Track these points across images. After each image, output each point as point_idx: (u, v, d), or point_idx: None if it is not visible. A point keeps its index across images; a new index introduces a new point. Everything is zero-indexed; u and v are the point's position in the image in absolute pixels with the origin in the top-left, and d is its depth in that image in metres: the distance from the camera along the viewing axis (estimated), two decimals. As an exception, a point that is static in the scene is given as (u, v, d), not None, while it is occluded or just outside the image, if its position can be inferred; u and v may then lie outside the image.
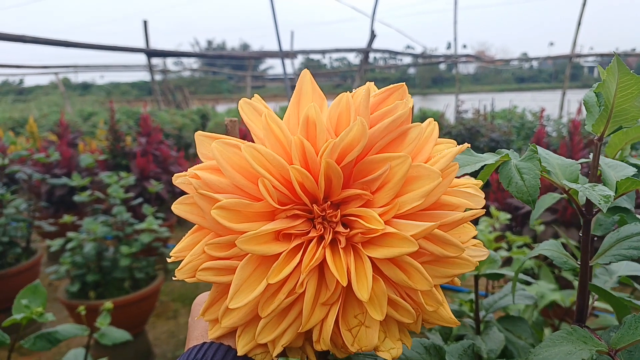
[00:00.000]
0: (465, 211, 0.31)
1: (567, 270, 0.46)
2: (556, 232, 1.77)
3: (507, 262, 1.48)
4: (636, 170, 0.42)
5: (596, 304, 0.55)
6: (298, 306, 0.29)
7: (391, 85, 0.32)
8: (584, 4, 5.43)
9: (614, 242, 0.44)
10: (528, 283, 0.66)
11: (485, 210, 0.32)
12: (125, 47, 6.43)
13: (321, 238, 0.30)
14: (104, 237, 1.78)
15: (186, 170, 0.31)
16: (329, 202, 0.30)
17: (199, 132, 0.32)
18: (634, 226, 0.44)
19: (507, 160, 0.39)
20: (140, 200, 2.17)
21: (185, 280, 0.30)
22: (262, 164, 0.29)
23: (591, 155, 0.44)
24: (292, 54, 7.45)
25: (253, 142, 0.32)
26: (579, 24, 5.55)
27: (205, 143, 0.32)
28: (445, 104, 6.25)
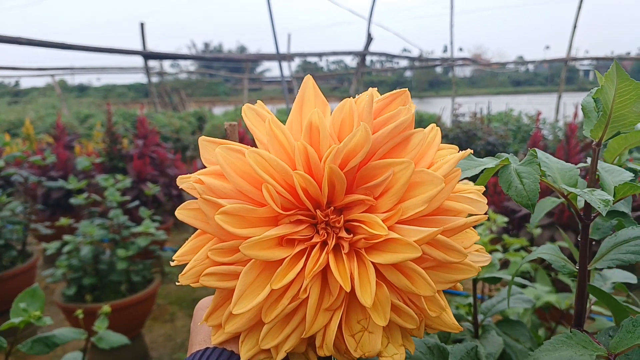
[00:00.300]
0: (467, 216, 0.31)
1: (565, 274, 0.46)
2: (553, 235, 1.78)
3: (504, 265, 1.49)
4: (633, 175, 0.42)
5: (593, 307, 0.56)
6: (301, 312, 0.30)
7: (394, 91, 0.32)
8: (579, 8, 5.47)
9: (611, 246, 0.44)
10: (524, 286, 0.67)
11: (487, 216, 0.32)
12: (122, 50, 6.42)
13: (324, 243, 0.30)
14: (100, 240, 1.77)
15: (183, 173, 0.31)
16: (332, 208, 0.31)
17: (203, 137, 0.32)
18: (631, 230, 0.44)
19: (507, 165, 0.39)
20: (137, 203, 2.17)
21: (190, 285, 0.30)
22: (265, 169, 0.29)
23: (589, 160, 0.44)
24: (289, 57, 7.46)
25: (251, 144, 0.32)
26: (575, 27, 5.59)
27: (209, 148, 0.32)
28: (441, 107, 6.27)
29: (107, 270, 1.74)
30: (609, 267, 0.42)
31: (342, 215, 0.30)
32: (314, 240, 0.30)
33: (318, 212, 0.30)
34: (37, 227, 2.17)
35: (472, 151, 0.35)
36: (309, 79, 0.33)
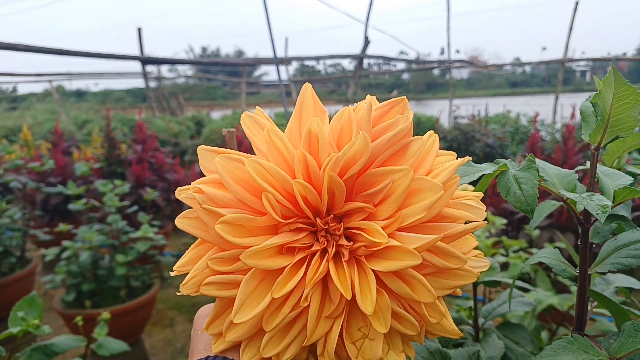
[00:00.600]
0: (466, 223, 0.31)
1: (565, 278, 0.46)
2: (551, 236, 1.78)
3: (504, 266, 1.49)
4: (632, 179, 0.42)
5: (594, 309, 0.56)
6: (302, 320, 0.30)
7: (392, 99, 0.32)
8: (575, 10, 5.49)
9: (612, 250, 0.44)
10: (526, 290, 0.66)
11: (486, 222, 0.32)
12: (119, 55, 6.42)
13: (325, 251, 0.30)
14: (99, 246, 1.77)
15: (182, 178, 0.31)
16: (332, 215, 0.31)
17: (202, 146, 0.32)
18: (631, 234, 0.44)
19: (505, 170, 0.39)
20: (135, 208, 2.17)
21: (190, 294, 0.30)
22: (265, 178, 0.29)
23: (588, 163, 0.44)
24: (286, 61, 7.47)
25: (249, 150, 0.32)
26: (571, 29, 5.62)
27: (208, 157, 0.32)
28: (439, 109, 6.28)
29: (106, 275, 1.74)
30: (610, 272, 0.42)
31: (342, 223, 0.30)
32: (314, 248, 0.30)
33: (318, 220, 0.30)
34: (36, 233, 2.17)
35: (470, 158, 0.35)
36: (307, 87, 0.33)
